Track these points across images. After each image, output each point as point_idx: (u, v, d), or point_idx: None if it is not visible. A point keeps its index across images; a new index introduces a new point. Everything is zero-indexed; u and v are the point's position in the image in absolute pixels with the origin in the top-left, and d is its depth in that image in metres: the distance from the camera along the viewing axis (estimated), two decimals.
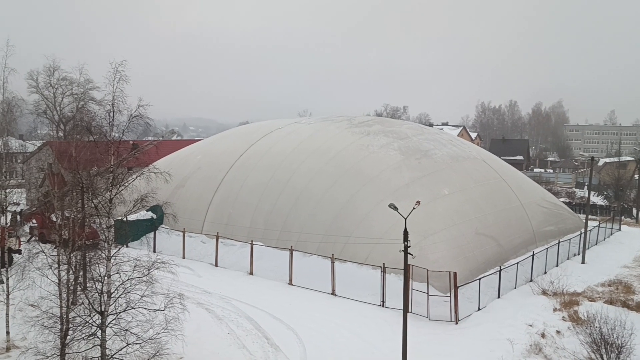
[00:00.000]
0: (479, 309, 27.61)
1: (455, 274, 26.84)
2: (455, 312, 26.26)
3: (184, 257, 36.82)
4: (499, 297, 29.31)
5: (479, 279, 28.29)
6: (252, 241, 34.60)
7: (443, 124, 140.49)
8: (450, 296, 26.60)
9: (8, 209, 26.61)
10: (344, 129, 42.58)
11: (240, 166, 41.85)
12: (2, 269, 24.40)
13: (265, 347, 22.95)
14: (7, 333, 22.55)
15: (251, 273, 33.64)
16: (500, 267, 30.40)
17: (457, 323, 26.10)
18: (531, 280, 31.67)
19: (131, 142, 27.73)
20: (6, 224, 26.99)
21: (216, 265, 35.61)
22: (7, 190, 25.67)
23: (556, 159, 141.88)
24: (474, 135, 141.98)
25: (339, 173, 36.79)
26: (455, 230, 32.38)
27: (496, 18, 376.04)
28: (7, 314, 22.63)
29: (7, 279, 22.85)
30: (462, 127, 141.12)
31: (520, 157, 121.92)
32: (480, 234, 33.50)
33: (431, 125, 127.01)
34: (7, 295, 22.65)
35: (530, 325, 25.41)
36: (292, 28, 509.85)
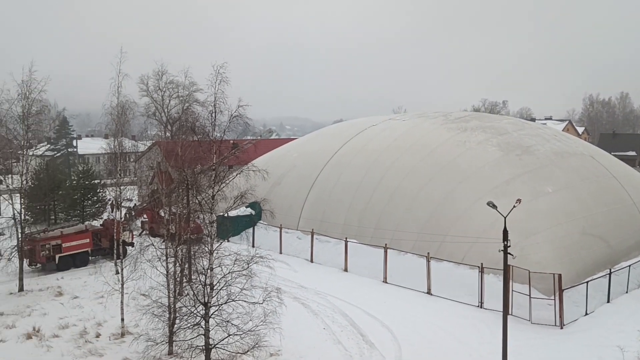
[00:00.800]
0: (586, 314, 26.05)
1: (560, 275, 25.50)
2: (560, 316, 24.95)
3: (280, 253, 37.86)
4: (608, 301, 27.48)
5: (587, 282, 26.68)
6: (346, 238, 34.89)
7: (546, 119, 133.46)
8: (554, 299, 25.31)
9: (123, 204, 28.73)
10: (439, 125, 41.74)
11: (335, 164, 42.29)
12: (117, 260, 26.38)
13: (361, 344, 23.08)
14: (122, 320, 24.37)
15: (345, 270, 33.94)
16: (610, 269, 28.47)
17: (561, 327, 24.79)
18: None
19: (231, 141, 28.94)
20: (121, 218, 29.17)
21: (311, 261, 36.28)
22: (122, 187, 27.71)
23: None
24: (580, 129, 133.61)
25: (435, 170, 36.12)
26: (560, 230, 30.71)
27: (606, 4, 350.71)
28: (121, 302, 24.46)
29: (122, 270, 24.67)
30: (567, 122, 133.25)
31: (632, 153, 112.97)
32: (587, 234, 31.50)
33: (533, 120, 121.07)
34: (122, 285, 24.46)
35: None
36: (388, 24, 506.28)
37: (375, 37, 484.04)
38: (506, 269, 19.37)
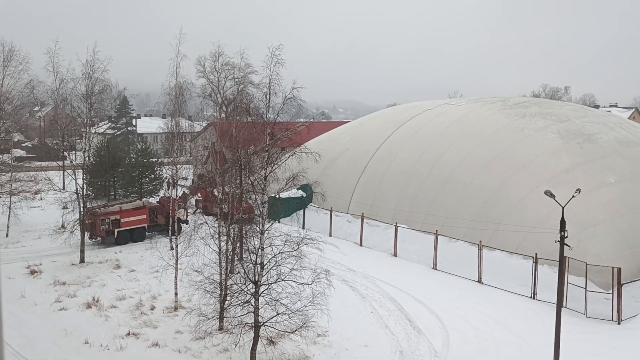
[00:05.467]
0: None
1: (619, 269, 24.50)
2: (618, 311, 24.03)
3: (330, 235, 38.00)
4: None
5: None
6: (396, 223, 34.64)
7: (611, 106, 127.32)
8: (612, 293, 24.37)
9: (178, 183, 29.47)
10: (496, 111, 40.57)
11: (387, 148, 41.90)
12: (172, 237, 27.16)
13: (408, 329, 22.99)
14: (176, 294, 25.17)
15: (395, 255, 33.76)
16: None
17: (619, 323, 23.89)
18: None
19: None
20: (177, 196, 29.95)
21: (361, 244, 36.27)
22: (178, 166, 28.42)
23: None
24: None
25: (490, 157, 35.22)
26: (622, 222, 29.43)
27: None
28: (175, 277, 25.24)
29: (177, 246, 25.40)
30: (634, 109, 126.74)
31: None
32: None
33: (597, 107, 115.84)
34: (176, 261, 25.22)
35: None
36: (447, 7, 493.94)
37: (435, 20, 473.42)
38: (562, 260, 18.76)
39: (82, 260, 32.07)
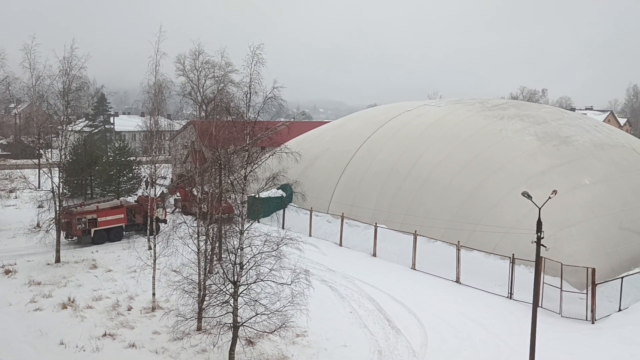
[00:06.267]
0: (619, 310, 25.47)
1: (594, 270, 24.95)
2: (592, 311, 24.46)
3: (310, 235, 38.02)
4: None
5: (622, 278, 26.05)
6: (376, 223, 34.79)
7: (587, 109, 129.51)
8: (586, 293, 24.80)
9: (157, 182, 29.20)
10: (475, 113, 41.00)
11: (367, 148, 42.06)
12: (150, 236, 26.91)
13: (387, 329, 23.10)
14: (153, 294, 24.92)
15: (374, 255, 33.90)
16: None
17: (593, 322, 24.32)
18: None
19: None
20: (155, 195, 29.66)
21: (340, 244, 36.34)
22: (156, 165, 28.15)
23: None
24: (622, 121, 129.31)
25: (469, 158, 35.58)
26: (596, 223, 29.98)
27: None
28: (153, 277, 24.99)
29: (155, 246, 25.15)
30: (609, 112, 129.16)
31: None
32: (625, 228, 30.68)
33: (573, 109, 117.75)
34: (154, 261, 24.97)
35: None
36: (428, 9, 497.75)
37: (415, 23, 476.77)
38: (538, 261, 19.03)
39: (57, 260, 31.60)
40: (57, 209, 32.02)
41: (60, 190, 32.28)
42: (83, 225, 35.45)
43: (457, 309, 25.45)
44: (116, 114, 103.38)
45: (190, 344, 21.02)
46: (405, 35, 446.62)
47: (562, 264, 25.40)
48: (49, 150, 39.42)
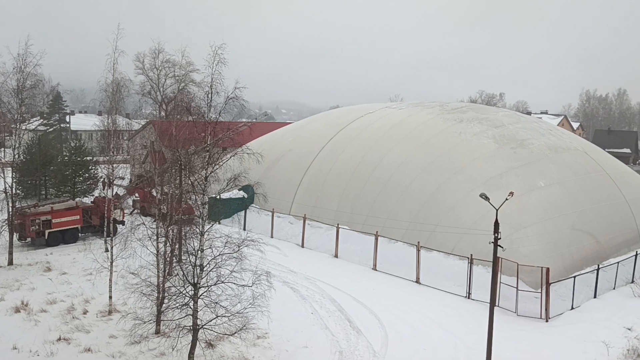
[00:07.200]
0: (572, 308, 26.28)
1: (548, 269, 25.67)
2: (546, 309, 25.17)
3: (272, 237, 37.88)
4: (595, 297, 27.72)
5: (574, 277, 26.87)
6: (338, 224, 34.94)
7: (542, 113, 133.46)
8: (541, 292, 25.51)
9: (114, 182, 28.59)
10: (435, 115, 41.67)
11: (330, 150, 42.21)
12: (107, 238, 26.34)
13: (347, 330, 23.22)
14: (110, 297, 24.38)
15: (336, 256, 34.03)
16: (598, 265, 28.69)
17: (547, 321, 25.03)
18: (632, 282, 29.61)
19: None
20: (112, 196, 29.05)
21: (302, 246, 36.34)
22: (114, 165, 27.58)
23: None
24: (575, 125, 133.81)
25: (429, 160, 36.13)
26: (550, 224, 30.89)
27: (608, 1, 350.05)
28: (110, 280, 24.44)
29: (112, 248, 24.61)
30: (562, 117, 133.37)
31: (627, 150, 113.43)
32: (577, 229, 31.72)
33: (529, 113, 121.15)
34: (111, 263, 24.43)
35: (629, 329, 23.86)
36: (386, 13, 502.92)
37: (377, 28, 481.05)
38: (495, 261, 19.47)
39: (10, 263, 30.61)
40: (10, 210, 31.08)
41: (13, 191, 31.36)
42: (37, 227, 34.43)
43: (417, 308, 25.79)
44: (72, 113, 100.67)
45: (149, 347, 20.65)
46: (369, 39, 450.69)
47: (518, 264, 26.05)
48: (2, 149, 38.19)
